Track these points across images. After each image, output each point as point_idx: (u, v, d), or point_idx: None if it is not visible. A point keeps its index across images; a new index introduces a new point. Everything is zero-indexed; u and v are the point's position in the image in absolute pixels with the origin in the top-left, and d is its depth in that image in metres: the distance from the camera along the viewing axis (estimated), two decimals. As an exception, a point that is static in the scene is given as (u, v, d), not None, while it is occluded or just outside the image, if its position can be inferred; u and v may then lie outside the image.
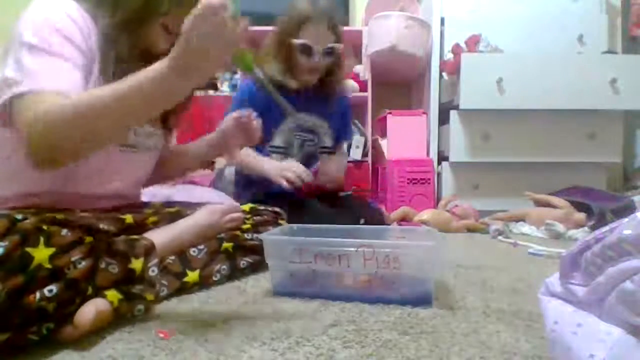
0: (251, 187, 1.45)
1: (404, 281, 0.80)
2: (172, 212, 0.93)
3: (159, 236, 0.79)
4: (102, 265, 0.65)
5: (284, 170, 1.26)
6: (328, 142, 1.52)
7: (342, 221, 1.24)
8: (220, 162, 1.90)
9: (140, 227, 0.83)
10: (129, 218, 0.84)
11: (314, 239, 0.83)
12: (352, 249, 0.79)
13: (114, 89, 0.63)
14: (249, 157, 1.38)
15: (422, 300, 0.77)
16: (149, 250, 0.74)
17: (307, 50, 1.29)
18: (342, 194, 1.56)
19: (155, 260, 0.75)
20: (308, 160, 1.47)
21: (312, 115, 1.45)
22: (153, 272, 0.74)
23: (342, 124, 1.57)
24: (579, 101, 1.97)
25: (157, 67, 0.62)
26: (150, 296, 0.68)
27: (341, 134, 1.59)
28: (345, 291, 0.80)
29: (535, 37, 2.14)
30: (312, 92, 1.42)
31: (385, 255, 0.78)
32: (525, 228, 1.75)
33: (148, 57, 0.80)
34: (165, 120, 0.96)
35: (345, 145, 1.67)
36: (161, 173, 1.04)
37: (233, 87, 2.45)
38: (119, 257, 0.68)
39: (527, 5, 2.20)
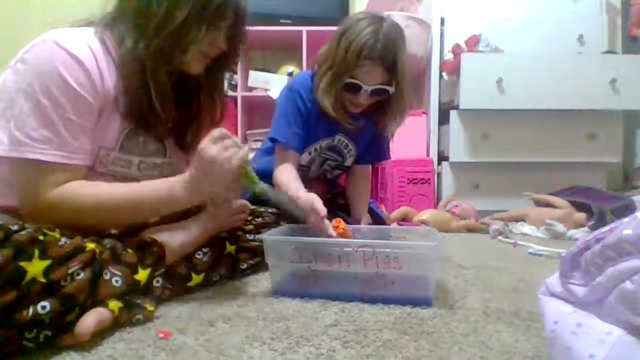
0: None
1: (404, 281, 0.80)
2: (173, 213, 0.92)
3: (171, 240, 0.78)
4: (106, 277, 0.63)
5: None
6: (349, 162, 1.42)
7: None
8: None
9: (143, 227, 0.82)
10: None
11: (314, 239, 0.83)
12: (352, 249, 0.79)
13: (128, 193, 0.74)
14: (290, 182, 1.12)
15: (422, 300, 0.77)
16: (159, 259, 0.74)
17: (355, 87, 1.16)
18: (343, 202, 1.50)
19: (162, 270, 0.75)
20: (323, 176, 1.44)
21: (345, 135, 1.33)
22: (157, 282, 0.74)
23: (376, 145, 1.42)
24: (579, 101, 1.97)
25: (170, 186, 0.75)
26: (150, 307, 0.68)
27: (372, 155, 1.45)
28: (345, 291, 0.80)
29: (535, 37, 2.14)
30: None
31: (386, 255, 0.78)
32: (525, 228, 1.74)
33: (181, 77, 0.84)
34: (184, 145, 0.93)
35: (369, 168, 1.51)
36: None
37: (233, 87, 2.45)
38: (125, 268, 0.66)
39: (527, 5, 2.20)
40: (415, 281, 0.81)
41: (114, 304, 0.62)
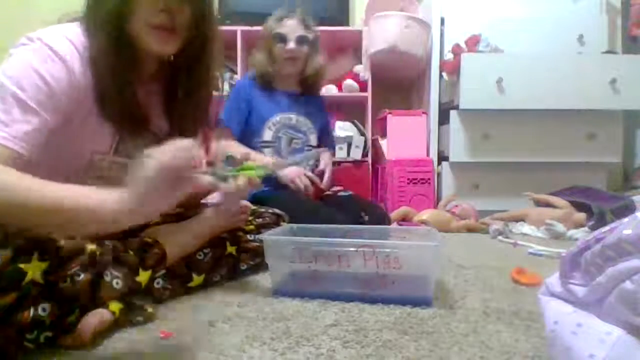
0: None
1: (404, 281, 0.80)
2: (174, 213, 0.91)
3: (172, 241, 0.77)
4: (107, 279, 0.63)
5: (295, 177, 1.45)
6: (313, 140, 1.64)
7: (342, 217, 1.26)
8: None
9: (143, 227, 0.82)
10: None
11: (314, 238, 0.83)
12: (353, 249, 0.79)
13: (55, 194, 0.54)
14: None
15: (422, 300, 0.77)
16: (160, 261, 0.73)
17: (282, 38, 1.53)
18: (342, 194, 1.58)
19: (163, 272, 0.74)
20: (295, 155, 1.60)
21: (298, 114, 1.62)
22: (158, 284, 0.74)
23: (324, 124, 1.75)
24: (579, 101, 1.97)
25: (103, 196, 0.55)
26: (150, 309, 0.68)
27: (324, 134, 1.75)
28: (345, 291, 0.80)
29: (535, 37, 2.13)
30: (295, 93, 1.63)
31: (386, 255, 0.78)
32: (525, 228, 1.74)
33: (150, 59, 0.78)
34: None
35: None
36: None
37: (232, 86, 2.45)
38: (126, 270, 0.66)
39: (527, 5, 2.20)
40: (415, 281, 0.81)
41: (115, 306, 0.63)
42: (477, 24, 2.12)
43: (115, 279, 0.64)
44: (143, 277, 0.69)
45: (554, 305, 0.43)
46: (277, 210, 1.11)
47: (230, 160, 0.80)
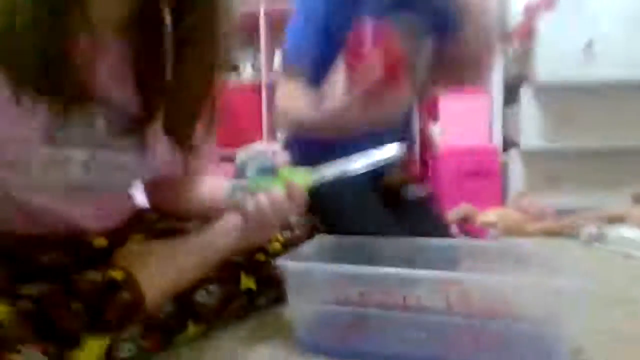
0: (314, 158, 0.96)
1: (515, 340, 0.50)
2: (163, 227, 0.65)
3: (154, 276, 0.51)
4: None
5: None
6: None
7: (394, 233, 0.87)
8: (242, 155, 1.61)
9: (114, 244, 0.57)
10: (99, 240, 0.57)
11: (360, 267, 0.53)
12: (429, 283, 0.50)
13: None
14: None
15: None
16: (131, 312, 0.47)
17: None
18: (409, 194, 1.12)
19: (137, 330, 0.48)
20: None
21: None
22: (129, 351, 0.48)
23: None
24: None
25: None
26: None
27: None
28: (411, 350, 0.50)
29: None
30: None
31: (487, 296, 0.48)
32: (626, 231, 1.41)
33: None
34: (177, 135, 0.58)
35: None
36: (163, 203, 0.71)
37: (258, 70, 2.23)
38: (64, 344, 0.41)
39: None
40: (534, 341, 0.49)
41: None
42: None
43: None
44: (92, 350, 0.43)
45: None
46: (313, 218, 0.81)
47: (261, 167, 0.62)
